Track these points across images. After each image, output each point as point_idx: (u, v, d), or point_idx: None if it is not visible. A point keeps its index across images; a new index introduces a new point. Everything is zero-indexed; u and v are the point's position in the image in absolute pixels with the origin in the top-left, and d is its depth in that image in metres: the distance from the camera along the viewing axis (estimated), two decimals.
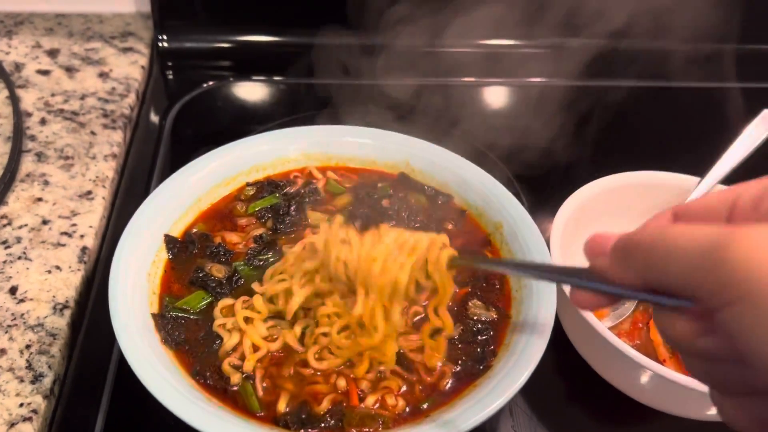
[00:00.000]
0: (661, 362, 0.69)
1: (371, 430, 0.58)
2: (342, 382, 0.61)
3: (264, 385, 0.61)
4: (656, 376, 0.63)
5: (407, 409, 0.60)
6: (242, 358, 0.63)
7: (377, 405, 0.60)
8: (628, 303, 0.74)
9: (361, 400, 0.60)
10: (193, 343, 0.64)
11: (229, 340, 0.63)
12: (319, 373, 0.62)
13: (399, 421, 0.59)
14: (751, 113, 0.81)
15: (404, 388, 0.62)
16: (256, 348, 0.63)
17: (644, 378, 0.65)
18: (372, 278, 0.58)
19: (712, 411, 0.66)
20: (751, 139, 0.79)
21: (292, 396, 0.60)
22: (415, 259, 0.58)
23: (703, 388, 0.61)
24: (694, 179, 0.79)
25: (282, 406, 0.59)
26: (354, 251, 0.58)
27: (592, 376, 0.70)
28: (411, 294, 0.59)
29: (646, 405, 0.68)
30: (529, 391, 0.72)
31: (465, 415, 0.56)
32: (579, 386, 0.73)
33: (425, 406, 0.61)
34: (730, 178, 0.77)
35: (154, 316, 0.65)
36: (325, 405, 0.59)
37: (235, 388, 0.61)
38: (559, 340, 0.72)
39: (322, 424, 0.58)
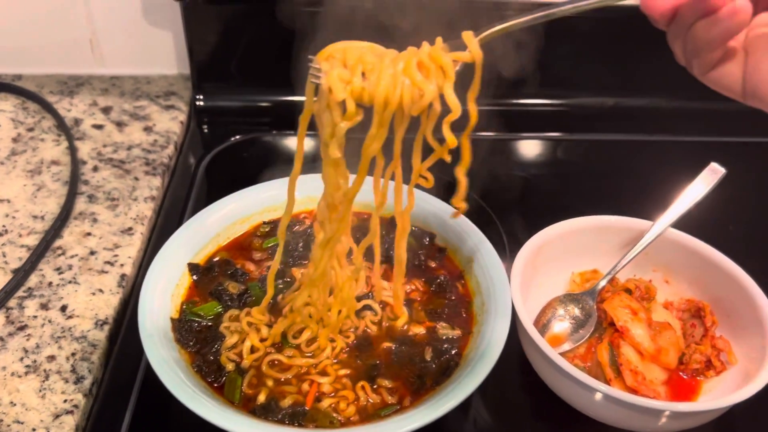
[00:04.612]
0: (608, 381, 0.78)
1: (324, 425, 0.69)
2: (306, 386, 0.73)
3: (251, 381, 0.74)
4: (602, 395, 0.72)
5: (357, 416, 0.71)
6: (239, 355, 0.76)
7: (332, 408, 0.71)
8: (584, 330, 0.83)
9: (318, 401, 0.72)
10: (200, 342, 0.77)
11: (230, 339, 0.77)
12: (291, 377, 0.74)
13: (348, 424, 0.70)
14: (701, 165, 0.90)
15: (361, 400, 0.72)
16: (254, 350, 0.77)
17: (593, 396, 0.74)
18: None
19: (653, 424, 0.74)
20: (700, 188, 0.88)
21: (269, 392, 0.73)
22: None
23: (643, 403, 0.71)
24: (648, 223, 0.88)
25: (261, 399, 0.72)
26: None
27: (550, 395, 0.78)
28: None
29: (596, 420, 0.76)
30: (495, 407, 0.82)
31: (414, 416, 0.66)
32: (539, 404, 0.82)
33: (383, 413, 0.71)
34: (680, 223, 0.87)
35: (172, 320, 0.78)
36: (287, 401, 0.71)
37: (223, 378, 0.74)
38: (522, 364, 0.82)
39: (280, 416, 0.70)
